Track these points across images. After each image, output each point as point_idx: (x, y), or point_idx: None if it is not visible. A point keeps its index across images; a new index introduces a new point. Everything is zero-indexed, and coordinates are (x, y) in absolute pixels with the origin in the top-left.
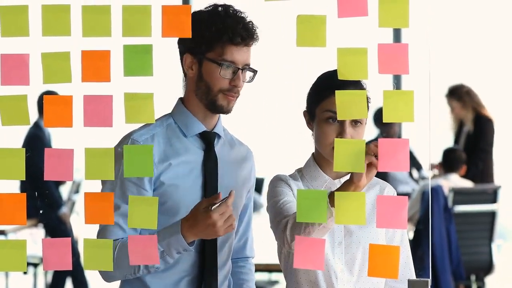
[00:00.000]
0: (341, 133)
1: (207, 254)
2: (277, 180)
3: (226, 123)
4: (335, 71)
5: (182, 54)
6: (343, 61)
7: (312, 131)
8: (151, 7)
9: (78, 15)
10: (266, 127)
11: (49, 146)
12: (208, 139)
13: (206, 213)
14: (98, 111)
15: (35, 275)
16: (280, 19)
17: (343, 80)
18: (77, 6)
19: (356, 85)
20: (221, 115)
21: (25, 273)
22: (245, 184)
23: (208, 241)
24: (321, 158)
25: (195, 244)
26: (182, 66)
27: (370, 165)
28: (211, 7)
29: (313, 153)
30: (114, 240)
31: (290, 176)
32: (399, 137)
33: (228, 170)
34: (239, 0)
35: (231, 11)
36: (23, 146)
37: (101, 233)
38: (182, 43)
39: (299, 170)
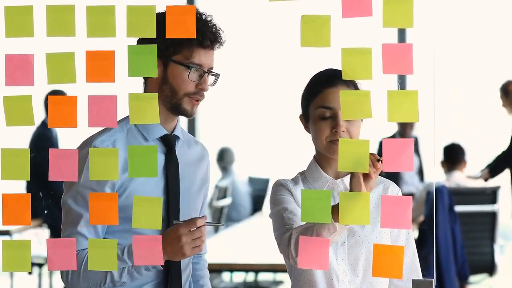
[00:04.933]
0: (335, 127)
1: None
2: (278, 186)
3: (234, 124)
4: (325, 70)
5: None
6: (347, 61)
7: (310, 133)
8: (155, 7)
9: (83, 15)
10: (271, 129)
11: (56, 146)
12: (169, 142)
13: (172, 228)
14: (102, 111)
15: (40, 275)
16: (284, 19)
17: (332, 75)
18: (81, 6)
19: (347, 81)
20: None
21: (30, 273)
22: (203, 183)
23: None
24: (322, 159)
25: None
26: None
27: (365, 175)
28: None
29: (314, 155)
30: (81, 250)
31: (292, 179)
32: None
33: (187, 172)
34: (244, 0)
35: (198, 15)
36: (30, 146)
37: None
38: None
39: (302, 173)
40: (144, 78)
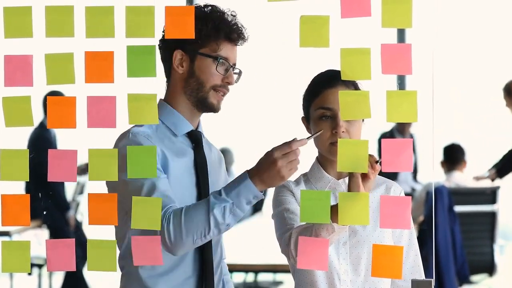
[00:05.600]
0: (335, 128)
1: (205, 254)
2: (280, 187)
3: (234, 124)
4: (326, 71)
5: (170, 51)
6: (346, 62)
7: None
8: (154, 8)
9: (82, 16)
10: (272, 129)
11: (55, 147)
12: (196, 138)
13: (267, 153)
14: (101, 112)
15: (39, 276)
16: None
17: (332, 76)
18: (80, 7)
19: (346, 82)
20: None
21: (29, 274)
22: (223, 183)
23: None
24: (324, 160)
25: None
26: (168, 64)
27: (364, 176)
28: (200, 6)
29: (317, 157)
30: (170, 206)
31: (295, 181)
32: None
33: (212, 169)
34: (243, 0)
35: (222, 9)
36: (28, 147)
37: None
38: (170, 40)
39: (304, 174)
40: (167, 75)
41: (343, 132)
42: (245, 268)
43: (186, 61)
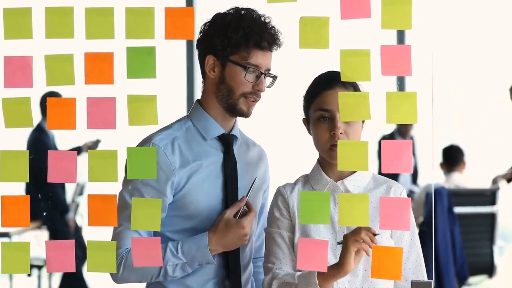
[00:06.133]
0: (333, 129)
1: (230, 257)
2: (276, 196)
3: (241, 125)
4: (325, 72)
5: (203, 55)
6: (346, 63)
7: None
8: (154, 9)
9: (81, 17)
10: (275, 131)
11: (54, 148)
12: (227, 141)
13: (238, 224)
14: (101, 113)
15: (39, 277)
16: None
17: (330, 77)
18: (80, 8)
19: (345, 84)
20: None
21: (29, 275)
22: (262, 184)
23: None
24: (324, 161)
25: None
26: (203, 67)
27: (358, 251)
28: (232, 10)
29: (318, 158)
30: None
31: (294, 182)
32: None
33: (246, 172)
34: (241, 0)
35: (255, 15)
36: (27, 149)
37: (117, 237)
38: (204, 44)
39: (306, 176)
40: (203, 77)
41: (341, 133)
42: None
43: (217, 66)
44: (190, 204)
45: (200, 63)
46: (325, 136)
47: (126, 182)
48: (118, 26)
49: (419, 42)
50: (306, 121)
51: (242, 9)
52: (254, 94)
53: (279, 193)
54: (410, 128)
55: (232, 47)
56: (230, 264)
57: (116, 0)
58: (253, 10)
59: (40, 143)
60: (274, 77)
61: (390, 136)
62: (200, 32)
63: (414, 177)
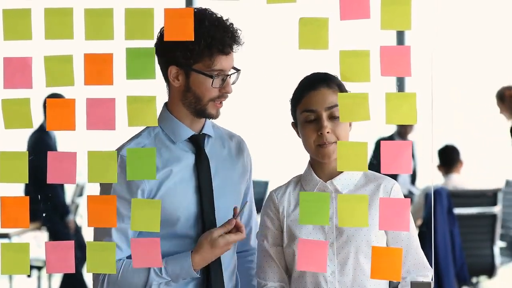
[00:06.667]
0: (320, 129)
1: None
2: (267, 201)
3: (235, 125)
4: (309, 74)
5: (165, 65)
6: (345, 64)
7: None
8: (153, 10)
9: (81, 18)
10: (271, 131)
11: (55, 149)
12: (197, 142)
13: (225, 243)
14: (100, 114)
15: (39, 278)
16: (282, 22)
17: (314, 79)
18: (79, 9)
19: (329, 83)
20: None
21: (28, 276)
22: (242, 177)
23: None
24: (314, 162)
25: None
26: (165, 75)
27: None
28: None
29: (309, 159)
30: (118, 260)
31: (285, 184)
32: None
33: (222, 168)
34: (242, 1)
35: (214, 19)
36: (28, 149)
37: None
38: (164, 55)
39: (299, 176)
40: (167, 83)
41: (328, 133)
42: None
43: (181, 75)
44: (165, 210)
45: (161, 70)
46: (312, 136)
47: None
48: (117, 27)
49: (419, 42)
50: (295, 124)
51: (198, 13)
52: (222, 96)
53: (269, 199)
54: (409, 130)
55: (195, 57)
56: (211, 265)
57: (115, 1)
58: (208, 13)
59: (42, 144)
60: (238, 72)
61: (389, 139)
62: (158, 40)
63: (413, 179)
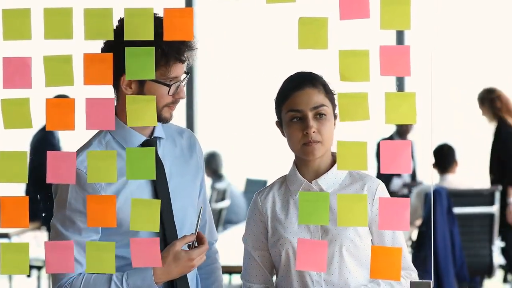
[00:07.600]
0: (305, 129)
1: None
2: (252, 206)
3: (227, 126)
4: (294, 74)
5: (118, 72)
6: (345, 63)
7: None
8: (153, 10)
9: (80, 18)
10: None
11: (59, 149)
12: (149, 147)
13: (188, 257)
14: (100, 114)
15: (38, 278)
16: (281, 22)
17: (298, 78)
18: (79, 9)
19: (314, 83)
20: None
21: (28, 276)
22: (197, 172)
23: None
24: (299, 162)
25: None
26: (116, 83)
27: None
28: None
29: (294, 159)
30: (74, 277)
31: (270, 185)
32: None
33: (177, 168)
34: (240, 1)
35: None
36: (31, 148)
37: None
38: (116, 65)
39: (284, 177)
40: (115, 90)
41: (314, 132)
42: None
43: (134, 83)
44: (124, 221)
45: (113, 76)
46: (298, 136)
47: (56, 210)
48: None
49: (418, 42)
50: (279, 124)
51: (154, 20)
52: (176, 102)
53: (254, 201)
54: (409, 130)
55: None
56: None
57: (115, 1)
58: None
59: (46, 144)
60: (188, 74)
61: (389, 139)
62: (108, 46)
63: (413, 178)
